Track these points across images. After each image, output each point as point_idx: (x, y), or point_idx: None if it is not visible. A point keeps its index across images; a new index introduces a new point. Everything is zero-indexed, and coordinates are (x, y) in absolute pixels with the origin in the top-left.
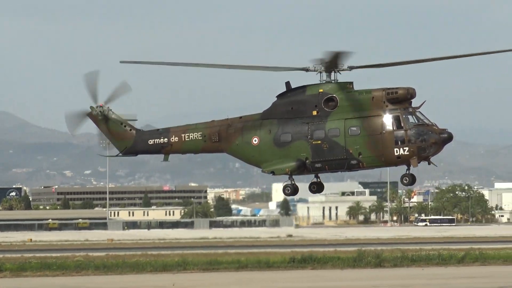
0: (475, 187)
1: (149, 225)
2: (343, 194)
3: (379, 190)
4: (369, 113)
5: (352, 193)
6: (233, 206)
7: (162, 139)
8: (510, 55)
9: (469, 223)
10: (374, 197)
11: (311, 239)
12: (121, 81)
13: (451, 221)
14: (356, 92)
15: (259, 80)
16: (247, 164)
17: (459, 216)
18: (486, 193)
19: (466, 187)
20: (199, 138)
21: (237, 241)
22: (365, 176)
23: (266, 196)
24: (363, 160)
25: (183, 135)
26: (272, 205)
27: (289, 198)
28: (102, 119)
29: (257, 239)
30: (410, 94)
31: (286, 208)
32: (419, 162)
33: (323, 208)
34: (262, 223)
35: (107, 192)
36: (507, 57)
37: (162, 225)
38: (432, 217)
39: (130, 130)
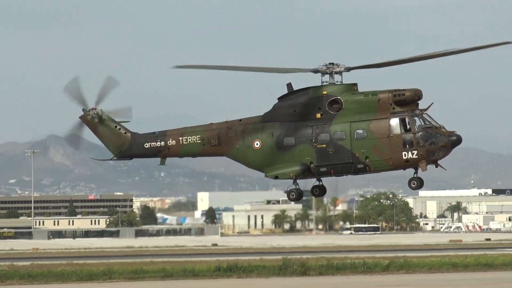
0: (400, 195)
1: (74, 234)
2: (268, 202)
3: (304, 198)
4: (375, 115)
5: (278, 202)
6: (159, 215)
7: (159, 143)
8: None
9: (393, 231)
10: (300, 206)
11: (236, 248)
12: (106, 77)
13: (376, 229)
14: (362, 94)
15: (257, 82)
16: (248, 168)
17: (384, 224)
18: (410, 201)
19: (390, 195)
20: (198, 141)
21: (162, 250)
22: (289, 184)
23: (191, 205)
24: (370, 164)
25: (180, 138)
26: (198, 214)
27: (214, 207)
28: (97, 122)
29: (183, 247)
30: (417, 96)
31: (211, 216)
32: (427, 165)
33: (248, 216)
34: (187, 231)
35: (32, 201)
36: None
37: (87, 234)
38: (357, 225)
39: (125, 133)
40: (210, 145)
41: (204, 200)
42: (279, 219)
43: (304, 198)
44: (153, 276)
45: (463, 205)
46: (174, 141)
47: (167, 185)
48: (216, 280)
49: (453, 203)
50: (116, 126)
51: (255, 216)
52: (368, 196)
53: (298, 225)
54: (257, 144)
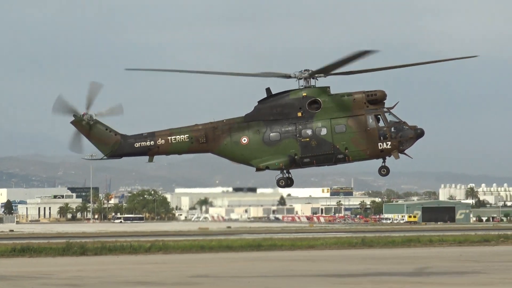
0: (160, 191)
1: None
2: (55, 197)
3: (84, 194)
4: (352, 112)
5: (62, 196)
6: None
7: (148, 142)
8: None
9: (155, 220)
10: (80, 200)
11: (29, 233)
12: (90, 82)
13: (140, 218)
14: (338, 95)
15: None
16: (234, 162)
17: (147, 214)
18: (168, 196)
19: (152, 192)
20: (186, 140)
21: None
22: (72, 183)
23: None
24: (349, 154)
25: (169, 138)
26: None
27: (11, 200)
28: (89, 125)
29: None
30: (385, 96)
31: (9, 208)
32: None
33: (39, 208)
34: None
35: None
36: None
37: None
38: (126, 215)
39: (115, 135)
40: (198, 143)
41: (3, 195)
42: (63, 210)
43: (83, 193)
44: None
45: (210, 200)
46: (163, 141)
47: None
48: (12, 259)
49: (202, 198)
50: (106, 129)
51: (44, 208)
52: (135, 192)
53: (79, 215)
54: (244, 140)
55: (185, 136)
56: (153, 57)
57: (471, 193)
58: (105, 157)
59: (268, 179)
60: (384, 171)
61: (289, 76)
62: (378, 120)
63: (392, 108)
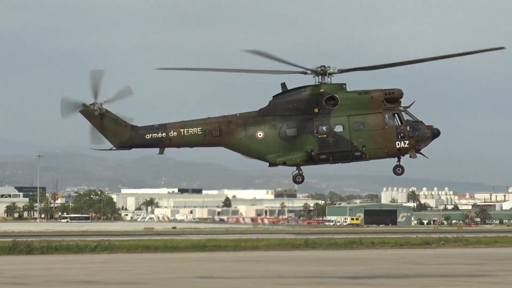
0: (106, 192)
1: None
2: (2, 196)
3: (31, 193)
4: (370, 110)
5: (9, 195)
6: None
7: (160, 134)
8: None
9: (101, 220)
10: (27, 199)
11: None
12: (90, 71)
13: (87, 218)
14: (355, 92)
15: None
16: (247, 157)
17: (93, 214)
18: (114, 197)
19: (99, 192)
20: (199, 133)
21: None
22: (20, 182)
23: None
24: (366, 152)
25: (182, 130)
26: None
27: None
28: (99, 115)
29: None
30: (402, 94)
31: None
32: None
33: None
34: None
35: None
36: None
37: None
38: (72, 215)
39: (125, 125)
40: (212, 136)
41: None
42: (10, 209)
43: (30, 193)
44: None
45: (156, 200)
46: (176, 133)
47: None
48: None
49: (148, 199)
50: (117, 119)
51: None
52: (81, 192)
53: (26, 214)
54: (260, 134)
55: (198, 128)
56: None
57: (412, 196)
58: (114, 148)
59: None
60: (399, 170)
61: (305, 73)
62: (398, 119)
63: (408, 107)
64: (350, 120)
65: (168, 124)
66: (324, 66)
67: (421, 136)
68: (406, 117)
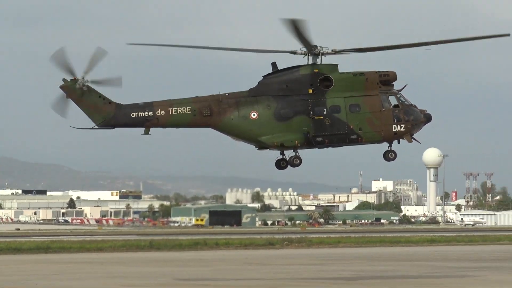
0: None
1: None
2: None
3: None
4: (366, 92)
5: None
6: None
7: (146, 112)
8: None
9: None
10: None
11: None
12: (96, 47)
13: None
14: (350, 73)
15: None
16: (236, 139)
17: None
18: None
19: None
20: (188, 112)
21: None
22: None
23: None
24: (363, 136)
25: (170, 109)
26: None
27: None
28: (81, 91)
29: None
30: (396, 77)
31: None
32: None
33: None
34: None
35: None
36: None
37: None
38: None
39: (109, 103)
40: (201, 116)
41: None
42: None
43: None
44: None
45: None
46: (163, 112)
47: None
48: None
49: None
50: (100, 96)
51: None
52: None
53: None
54: (253, 115)
55: (188, 107)
56: None
57: (257, 197)
58: (96, 127)
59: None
60: (391, 155)
61: (295, 52)
62: (395, 101)
63: (400, 90)
64: (346, 102)
65: (155, 102)
66: (317, 46)
67: (416, 120)
68: (401, 100)
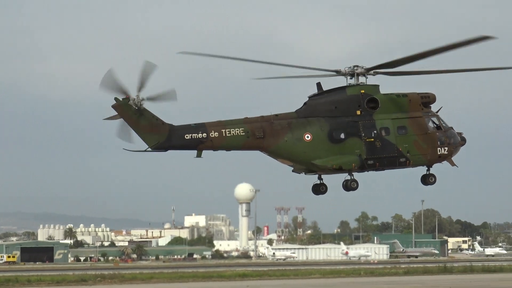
0: None
1: None
2: None
3: None
4: (410, 114)
5: None
6: None
7: (200, 134)
8: None
9: None
10: None
11: None
12: (144, 61)
13: None
14: (393, 94)
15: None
16: (285, 162)
17: None
18: None
19: None
20: (242, 133)
21: None
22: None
23: None
24: (411, 159)
25: (223, 130)
26: None
27: None
28: (134, 111)
29: None
30: (435, 99)
31: None
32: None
33: None
34: None
35: None
36: None
37: None
38: None
39: (163, 124)
40: (254, 138)
41: None
42: None
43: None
44: None
45: None
46: (217, 133)
47: None
48: None
49: None
50: (153, 116)
51: None
52: None
53: None
54: (307, 137)
55: (241, 129)
56: None
57: (69, 233)
58: (149, 149)
59: None
60: (432, 179)
61: (338, 72)
62: (438, 124)
63: (437, 112)
64: (394, 124)
65: (206, 123)
66: (357, 66)
67: (456, 143)
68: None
